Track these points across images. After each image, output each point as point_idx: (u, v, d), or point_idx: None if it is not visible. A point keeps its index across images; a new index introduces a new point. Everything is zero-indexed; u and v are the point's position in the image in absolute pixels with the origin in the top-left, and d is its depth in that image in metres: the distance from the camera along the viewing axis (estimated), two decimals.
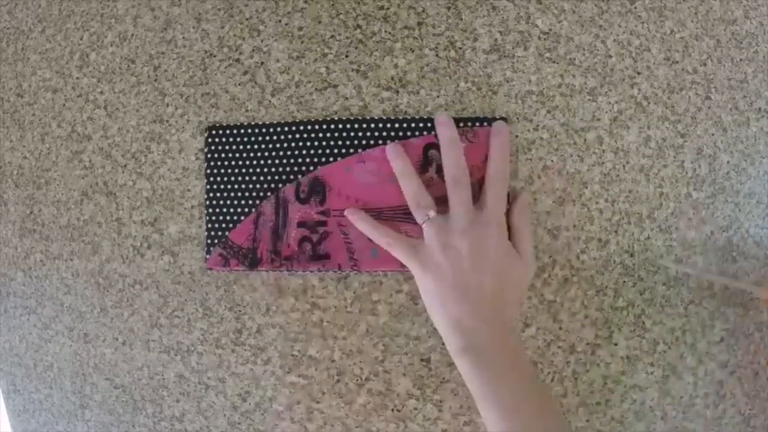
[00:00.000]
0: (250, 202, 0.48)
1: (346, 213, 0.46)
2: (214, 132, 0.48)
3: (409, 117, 0.46)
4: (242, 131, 0.48)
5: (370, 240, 0.46)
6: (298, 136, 0.47)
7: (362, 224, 0.45)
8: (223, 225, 0.48)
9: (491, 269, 0.41)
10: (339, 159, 0.46)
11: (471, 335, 0.40)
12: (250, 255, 0.47)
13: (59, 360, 0.55)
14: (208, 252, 0.48)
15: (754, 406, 0.49)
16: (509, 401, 0.38)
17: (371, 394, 0.48)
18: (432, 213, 0.42)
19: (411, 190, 0.44)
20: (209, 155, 0.48)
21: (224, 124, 0.49)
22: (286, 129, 0.47)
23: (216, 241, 0.48)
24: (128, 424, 0.53)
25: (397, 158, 0.44)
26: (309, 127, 0.47)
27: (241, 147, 0.48)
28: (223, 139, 0.48)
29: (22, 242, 0.55)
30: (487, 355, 0.39)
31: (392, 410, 0.48)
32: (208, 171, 0.48)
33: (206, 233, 0.48)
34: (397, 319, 0.47)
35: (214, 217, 0.48)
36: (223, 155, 0.48)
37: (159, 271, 0.50)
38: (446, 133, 0.43)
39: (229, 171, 0.48)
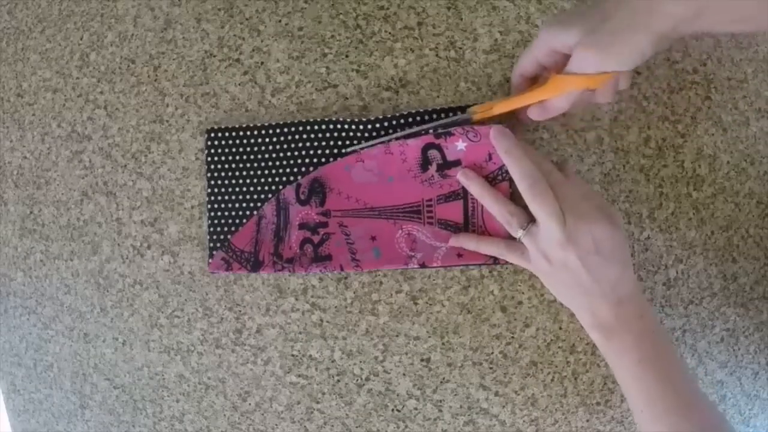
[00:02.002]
0: (251, 204, 0.48)
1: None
2: (213, 135, 0.48)
3: (405, 112, 0.46)
4: (241, 133, 0.48)
5: (372, 239, 0.46)
6: (297, 137, 0.47)
7: (467, 243, 0.45)
8: (225, 228, 0.48)
9: (602, 263, 0.40)
10: (338, 159, 0.46)
11: (609, 325, 0.40)
12: (252, 258, 0.47)
13: (59, 360, 0.55)
14: (211, 256, 0.48)
15: (754, 406, 0.49)
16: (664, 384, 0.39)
17: (371, 394, 0.48)
18: (521, 232, 0.41)
19: (497, 209, 0.43)
20: (209, 158, 0.48)
21: (223, 127, 0.48)
22: (285, 130, 0.47)
23: (218, 245, 0.48)
24: (128, 424, 0.53)
25: (471, 183, 0.44)
26: (308, 128, 0.47)
27: (240, 149, 0.48)
28: (222, 142, 0.48)
29: (22, 242, 0.55)
30: (629, 336, 0.40)
31: (392, 410, 0.48)
32: (209, 174, 0.48)
33: (208, 237, 0.48)
34: (397, 319, 0.47)
35: (216, 221, 0.48)
36: (223, 158, 0.48)
37: (159, 271, 0.50)
38: (500, 145, 0.42)
39: (230, 174, 0.48)
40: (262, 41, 0.49)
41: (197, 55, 0.50)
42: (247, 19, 0.49)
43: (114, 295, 0.52)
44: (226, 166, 0.48)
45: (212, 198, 0.48)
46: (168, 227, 0.50)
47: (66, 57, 0.53)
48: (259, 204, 0.47)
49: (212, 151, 0.48)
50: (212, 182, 0.48)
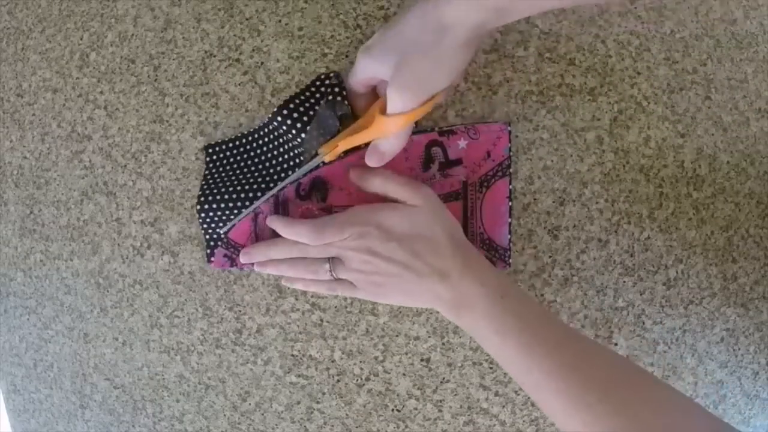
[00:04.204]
0: (246, 203, 0.47)
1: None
2: (211, 150, 0.49)
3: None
4: (237, 142, 0.48)
5: None
6: (281, 131, 0.47)
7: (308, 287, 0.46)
8: (221, 224, 0.48)
9: (399, 246, 0.40)
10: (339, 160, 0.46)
11: (457, 304, 0.40)
12: None
13: (59, 360, 0.55)
14: (212, 254, 0.48)
15: (754, 406, 0.49)
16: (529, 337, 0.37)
17: (371, 394, 0.48)
18: (327, 267, 0.43)
19: (303, 268, 0.44)
20: (207, 171, 0.49)
21: (219, 141, 0.49)
22: (268, 129, 0.47)
23: (218, 242, 0.48)
24: (128, 424, 0.53)
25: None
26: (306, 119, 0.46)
27: (235, 152, 0.48)
28: (221, 155, 0.49)
29: (22, 242, 0.55)
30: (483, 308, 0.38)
31: (392, 410, 0.48)
32: (204, 182, 0.48)
33: (205, 235, 0.48)
34: (397, 319, 0.47)
35: (211, 213, 0.48)
36: (221, 169, 0.48)
37: (159, 271, 0.50)
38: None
39: (224, 176, 0.48)
40: (262, 41, 0.49)
41: (197, 55, 0.50)
42: (247, 19, 0.49)
43: (114, 295, 0.52)
44: (222, 170, 0.48)
45: (202, 199, 0.48)
46: (168, 227, 0.50)
47: (66, 57, 0.53)
48: (255, 199, 0.47)
49: (211, 165, 0.49)
50: (206, 188, 0.48)
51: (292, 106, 0.44)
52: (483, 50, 0.47)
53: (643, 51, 0.47)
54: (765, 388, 0.49)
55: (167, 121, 0.50)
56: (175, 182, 0.50)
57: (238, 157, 0.48)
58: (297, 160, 0.46)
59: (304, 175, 0.44)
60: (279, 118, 0.44)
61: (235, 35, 0.50)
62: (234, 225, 0.46)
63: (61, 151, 0.53)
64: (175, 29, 0.51)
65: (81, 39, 0.53)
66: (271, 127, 0.47)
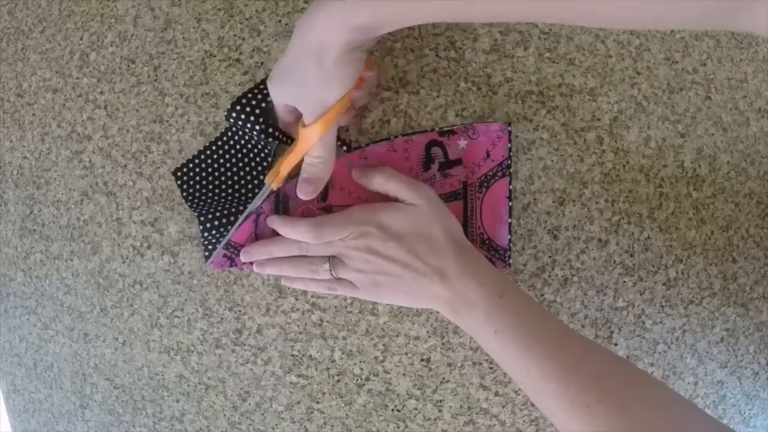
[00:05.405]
0: (241, 207, 0.47)
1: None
2: (180, 173, 0.49)
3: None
4: (203, 156, 0.48)
5: None
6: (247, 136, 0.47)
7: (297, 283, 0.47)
8: (221, 229, 0.47)
9: (400, 245, 0.40)
10: (339, 157, 0.46)
11: (459, 303, 0.40)
12: None
13: (59, 360, 0.55)
14: (209, 255, 0.48)
15: (754, 406, 0.49)
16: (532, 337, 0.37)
17: (371, 394, 0.48)
18: (327, 266, 0.43)
19: (299, 269, 0.45)
20: (184, 193, 0.49)
21: (185, 161, 0.49)
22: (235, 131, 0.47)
23: (218, 246, 0.47)
24: (128, 424, 0.53)
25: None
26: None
27: (204, 165, 0.48)
28: (191, 173, 0.49)
29: (22, 242, 0.55)
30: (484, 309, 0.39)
31: (392, 410, 0.48)
32: (189, 204, 0.48)
33: (204, 242, 0.48)
34: (397, 319, 0.47)
35: (209, 222, 0.47)
36: (198, 186, 0.48)
37: (159, 271, 0.50)
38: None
39: (209, 188, 0.48)
40: (262, 41, 0.49)
41: (197, 55, 0.50)
42: (247, 19, 0.49)
43: (114, 295, 0.52)
44: (200, 187, 0.48)
45: (199, 215, 0.47)
46: (168, 227, 0.50)
47: (66, 57, 0.53)
48: (249, 198, 0.47)
49: (185, 187, 0.49)
50: (193, 206, 0.48)
51: (238, 107, 0.44)
52: (483, 50, 0.47)
53: (643, 51, 0.47)
54: (765, 388, 0.49)
55: (167, 121, 0.50)
56: (175, 182, 0.50)
57: (209, 169, 0.48)
58: (267, 151, 0.46)
59: (261, 203, 0.45)
60: (232, 118, 0.44)
61: (235, 35, 0.49)
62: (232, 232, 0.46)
63: (61, 151, 0.53)
64: (175, 29, 0.51)
65: (81, 39, 0.53)
66: (233, 131, 0.47)
